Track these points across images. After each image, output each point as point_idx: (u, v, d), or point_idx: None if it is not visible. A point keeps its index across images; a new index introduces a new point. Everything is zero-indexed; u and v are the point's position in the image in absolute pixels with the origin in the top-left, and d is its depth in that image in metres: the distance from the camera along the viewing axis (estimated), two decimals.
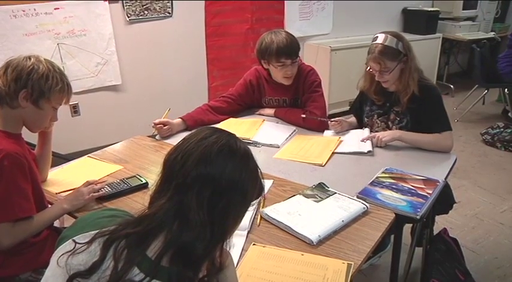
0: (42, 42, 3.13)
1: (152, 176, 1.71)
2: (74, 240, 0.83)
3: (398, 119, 2.04)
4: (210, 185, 0.81)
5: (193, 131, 0.90)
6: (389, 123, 2.07)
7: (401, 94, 1.99)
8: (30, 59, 1.40)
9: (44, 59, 1.44)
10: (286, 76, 2.20)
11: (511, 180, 3.34)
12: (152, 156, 1.93)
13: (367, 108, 2.16)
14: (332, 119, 2.15)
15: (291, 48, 2.12)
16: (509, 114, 4.36)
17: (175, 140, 2.03)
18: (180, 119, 2.25)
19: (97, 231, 0.84)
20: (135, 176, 1.68)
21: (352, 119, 2.29)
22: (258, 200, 0.92)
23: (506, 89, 4.32)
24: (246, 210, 0.88)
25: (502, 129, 3.91)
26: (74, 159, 1.92)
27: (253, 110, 2.43)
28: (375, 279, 2.28)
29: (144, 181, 1.64)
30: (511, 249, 2.56)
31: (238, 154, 0.86)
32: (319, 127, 2.17)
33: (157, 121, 2.15)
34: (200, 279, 0.82)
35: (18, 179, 1.35)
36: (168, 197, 0.81)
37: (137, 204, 1.54)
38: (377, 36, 1.98)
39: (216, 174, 0.81)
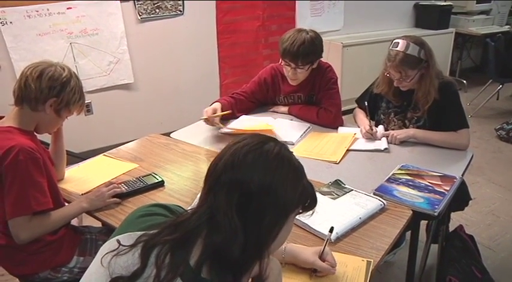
0: (56, 42, 3.16)
1: (168, 174, 1.73)
2: (118, 241, 0.82)
3: (416, 117, 2.01)
4: (238, 187, 0.79)
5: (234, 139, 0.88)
6: (406, 121, 2.05)
7: (420, 101, 1.95)
8: (64, 69, 1.47)
9: (73, 72, 1.50)
10: (290, 77, 2.20)
11: None
12: (167, 154, 1.93)
13: (383, 105, 2.13)
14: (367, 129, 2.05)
15: (297, 53, 2.06)
16: None
17: (191, 139, 2.06)
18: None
19: (142, 233, 0.83)
20: (150, 174, 1.69)
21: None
22: (309, 211, 0.89)
23: None
24: (286, 218, 0.84)
25: None
26: (87, 157, 1.93)
27: (266, 107, 2.42)
28: (390, 276, 2.26)
29: (160, 179, 1.65)
30: None
31: (270, 157, 0.82)
32: (334, 124, 2.16)
33: (210, 112, 2.16)
34: None
35: (34, 173, 1.37)
36: (201, 202, 0.81)
37: (153, 201, 1.55)
38: (397, 42, 1.91)
39: (243, 178, 0.79)
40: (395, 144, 1.96)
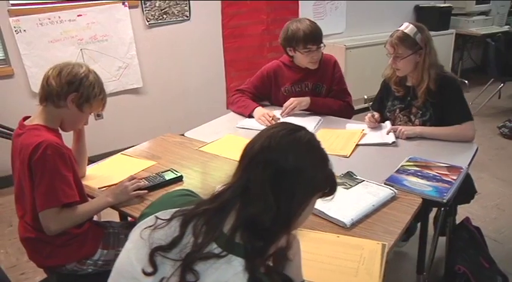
0: (66, 48, 3.25)
1: (185, 169, 1.79)
2: (156, 216, 0.92)
3: (420, 112, 2.09)
4: (273, 165, 0.88)
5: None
6: (412, 116, 2.12)
7: (417, 88, 2.06)
8: (82, 66, 1.55)
9: (92, 69, 1.58)
10: (313, 61, 2.30)
11: None
12: (183, 151, 2.00)
13: (389, 103, 2.21)
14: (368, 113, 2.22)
15: (316, 34, 2.24)
16: None
17: (204, 138, 2.13)
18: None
19: (176, 209, 0.93)
20: (169, 170, 1.75)
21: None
22: (330, 196, 0.98)
23: None
24: (312, 197, 0.94)
25: None
26: (98, 160, 1.99)
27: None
28: (401, 268, 2.32)
29: (178, 174, 1.72)
30: None
31: (302, 141, 0.92)
32: (350, 117, 2.34)
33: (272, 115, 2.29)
34: (268, 266, 0.89)
35: (61, 167, 1.44)
36: (237, 177, 0.90)
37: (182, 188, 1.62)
38: (402, 24, 2.06)
39: (278, 157, 0.89)
40: (401, 138, 2.03)
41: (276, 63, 2.47)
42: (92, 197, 1.64)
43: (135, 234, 0.96)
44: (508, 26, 5.33)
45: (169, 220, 0.91)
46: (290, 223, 0.92)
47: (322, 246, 1.29)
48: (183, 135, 2.24)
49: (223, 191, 0.90)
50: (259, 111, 2.35)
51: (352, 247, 1.28)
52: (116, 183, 1.70)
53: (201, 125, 2.36)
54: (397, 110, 2.17)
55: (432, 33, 4.87)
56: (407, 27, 2.01)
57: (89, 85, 1.54)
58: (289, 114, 2.32)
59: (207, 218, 0.88)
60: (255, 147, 0.91)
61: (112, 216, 1.87)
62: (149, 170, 1.82)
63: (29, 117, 1.61)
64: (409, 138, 2.04)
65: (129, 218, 1.98)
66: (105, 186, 1.68)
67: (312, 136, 0.96)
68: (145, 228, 0.92)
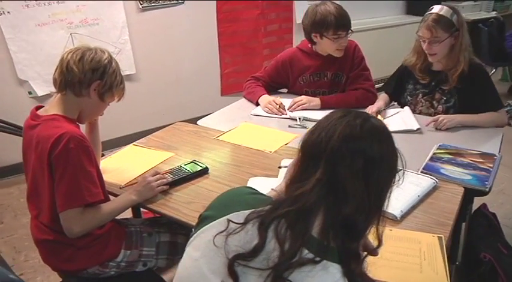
0: (55, 32, 3.05)
1: (208, 160, 1.69)
2: (229, 220, 0.82)
3: (444, 98, 2.03)
4: (361, 157, 0.80)
5: (326, 115, 0.89)
6: (435, 102, 2.07)
7: (450, 71, 1.97)
8: (104, 52, 1.42)
9: (112, 55, 1.45)
10: (340, 48, 2.17)
11: None
12: (200, 141, 1.89)
13: (410, 87, 2.15)
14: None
15: (347, 19, 2.12)
16: None
17: (218, 126, 2.02)
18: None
19: (250, 211, 0.82)
20: (193, 162, 1.64)
21: (383, 96, 2.27)
22: (400, 183, 0.90)
23: None
24: (392, 187, 0.87)
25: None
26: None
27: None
28: None
29: (204, 166, 1.61)
30: None
31: (381, 129, 0.86)
32: (373, 103, 2.18)
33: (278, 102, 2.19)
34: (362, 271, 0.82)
35: (85, 162, 1.31)
36: (320, 173, 0.80)
37: (201, 189, 1.52)
38: (432, 7, 1.96)
39: (365, 147, 0.81)
40: (441, 129, 1.94)
41: (292, 51, 2.35)
42: (110, 193, 1.51)
43: (200, 240, 0.85)
44: (495, 12, 5.35)
45: (244, 224, 0.81)
46: (379, 217, 0.85)
47: (371, 238, 1.21)
48: (172, 124, 2.09)
49: (308, 190, 0.80)
50: (264, 99, 2.25)
51: (409, 241, 1.22)
52: (136, 178, 1.58)
53: (213, 113, 2.24)
54: (420, 94, 2.11)
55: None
56: (442, 9, 1.92)
57: (112, 72, 1.42)
58: (296, 110, 2.17)
59: (290, 221, 0.78)
60: (333, 139, 0.81)
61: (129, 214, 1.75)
62: (167, 162, 1.71)
63: (42, 106, 1.46)
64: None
65: (147, 215, 1.88)
66: (127, 184, 1.55)
67: (382, 122, 0.90)
68: (218, 234, 0.81)
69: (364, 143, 0.81)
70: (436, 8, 1.94)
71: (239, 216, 0.83)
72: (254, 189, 0.96)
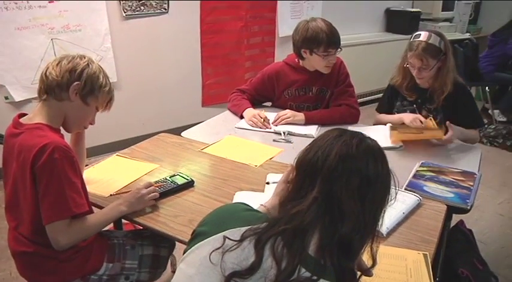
0: (36, 37, 2.98)
1: (193, 173, 1.67)
2: (225, 237, 0.81)
3: (431, 115, 2.08)
4: (357, 176, 0.81)
5: (322, 133, 0.91)
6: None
7: (436, 92, 2.03)
8: (83, 57, 1.40)
9: (95, 61, 1.44)
10: (329, 65, 2.20)
11: (501, 173, 3.51)
12: (185, 153, 1.87)
13: (397, 103, 2.20)
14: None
15: (338, 37, 2.15)
16: (489, 111, 4.57)
17: (203, 139, 2.00)
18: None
19: (247, 227, 0.81)
20: (178, 175, 1.62)
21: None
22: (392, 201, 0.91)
23: (487, 87, 4.53)
24: (386, 206, 0.88)
25: (486, 126, 4.09)
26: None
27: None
28: None
29: (189, 179, 1.59)
30: None
31: (376, 149, 0.87)
32: (358, 121, 2.24)
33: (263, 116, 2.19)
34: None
35: (70, 173, 1.28)
36: (316, 191, 0.81)
37: (188, 202, 1.50)
38: (419, 34, 2.01)
39: (361, 166, 0.82)
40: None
41: (279, 65, 2.36)
42: (95, 204, 1.48)
43: (195, 257, 0.84)
44: (468, 34, 5.55)
45: (240, 241, 0.80)
46: (374, 236, 0.86)
47: (365, 257, 1.22)
48: (154, 135, 2.07)
49: (304, 209, 0.81)
50: (249, 112, 2.25)
51: (395, 258, 1.23)
52: (120, 190, 1.55)
53: (198, 125, 2.24)
54: (408, 111, 2.15)
55: (402, 36, 5.04)
56: (430, 37, 1.97)
57: (92, 74, 1.38)
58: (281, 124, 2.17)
59: (287, 239, 0.79)
60: (330, 158, 0.83)
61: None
62: (152, 174, 1.68)
63: (25, 114, 1.42)
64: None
65: (128, 227, 1.84)
66: (116, 193, 1.52)
67: (377, 143, 0.91)
68: (214, 250, 0.80)
69: (360, 163, 0.83)
70: (424, 36, 1.98)
71: (235, 233, 0.82)
72: (248, 205, 0.96)
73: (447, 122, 1.95)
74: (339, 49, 2.17)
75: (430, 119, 2.02)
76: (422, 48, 1.95)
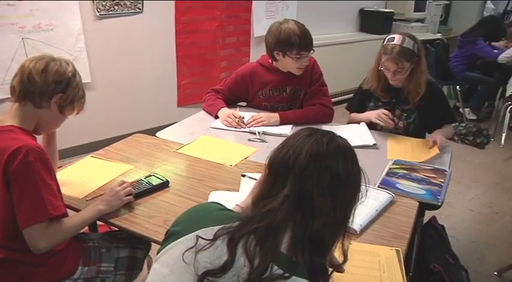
0: (5, 36, 2.90)
1: (168, 174, 1.67)
2: (198, 236, 0.81)
3: (405, 115, 2.13)
4: (328, 174, 0.83)
5: (294, 132, 0.93)
6: (395, 118, 2.15)
7: (411, 93, 2.07)
8: (68, 64, 1.39)
9: (75, 68, 1.42)
10: (301, 67, 2.20)
11: (471, 170, 3.61)
12: (160, 154, 1.86)
13: (371, 104, 2.23)
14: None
15: (310, 40, 2.15)
16: (460, 109, 4.69)
17: (178, 139, 2.00)
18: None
19: (219, 227, 0.82)
20: (153, 175, 1.61)
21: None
22: (363, 199, 0.93)
23: (458, 86, 4.65)
24: (356, 204, 0.90)
25: (457, 124, 4.19)
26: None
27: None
28: None
29: (164, 179, 1.59)
30: (484, 233, 2.77)
31: (346, 147, 0.89)
32: (332, 120, 2.27)
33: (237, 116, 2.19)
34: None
35: (45, 175, 1.26)
36: (288, 189, 0.82)
37: (163, 203, 1.50)
38: (393, 37, 2.02)
39: (332, 164, 0.84)
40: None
41: (253, 66, 2.36)
42: (69, 207, 1.46)
43: (169, 257, 0.84)
44: (439, 34, 5.69)
45: (213, 240, 0.81)
46: (345, 233, 0.88)
47: (337, 253, 1.24)
48: (129, 135, 2.05)
49: (276, 207, 0.81)
50: (224, 112, 2.25)
51: (368, 254, 1.26)
52: (95, 191, 1.53)
53: (172, 125, 2.23)
54: None
55: (375, 36, 5.11)
56: (404, 41, 1.99)
57: (75, 86, 1.39)
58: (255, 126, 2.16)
59: (259, 237, 0.80)
60: (301, 156, 0.84)
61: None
62: (126, 175, 1.67)
63: None
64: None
65: (103, 229, 1.82)
66: (94, 198, 1.50)
67: (347, 141, 0.93)
68: (187, 250, 0.81)
69: (330, 161, 0.84)
70: (398, 39, 1.99)
71: (208, 232, 0.83)
72: (222, 205, 0.96)
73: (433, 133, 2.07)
74: (312, 51, 2.19)
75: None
76: (397, 51, 1.97)
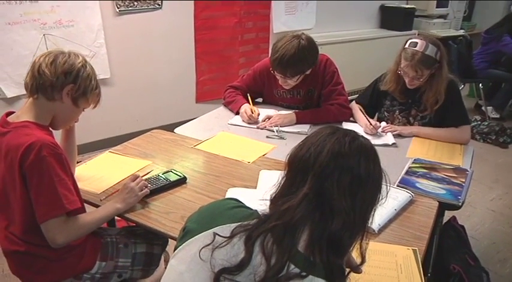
0: (27, 32, 2.95)
1: (186, 170, 1.67)
2: (215, 233, 0.81)
3: (420, 115, 2.08)
4: (349, 174, 0.81)
5: (315, 131, 0.91)
6: (411, 118, 2.12)
7: (430, 101, 2.00)
8: (78, 56, 1.38)
9: (86, 59, 1.42)
10: (283, 85, 2.18)
11: (493, 170, 3.53)
12: (177, 150, 1.87)
13: (387, 103, 2.19)
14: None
15: (286, 66, 2.04)
16: (483, 108, 4.59)
17: (196, 135, 2.00)
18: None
19: (236, 224, 0.81)
20: (170, 171, 1.62)
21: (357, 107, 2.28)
22: (383, 201, 0.91)
23: (480, 84, 4.55)
24: (376, 205, 0.88)
25: (479, 123, 4.11)
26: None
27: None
28: None
29: (181, 176, 1.59)
30: (505, 234, 2.71)
31: (368, 147, 0.87)
32: (349, 118, 2.22)
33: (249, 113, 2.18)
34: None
35: (59, 169, 1.27)
36: (307, 188, 0.81)
37: (180, 199, 1.50)
38: (416, 42, 1.94)
39: (353, 164, 0.82)
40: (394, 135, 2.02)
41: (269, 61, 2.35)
42: (87, 201, 1.47)
43: (186, 253, 0.84)
44: (462, 30, 5.57)
45: (230, 237, 0.80)
46: (364, 234, 0.86)
47: (355, 254, 1.22)
48: (147, 131, 2.05)
49: (294, 205, 0.80)
50: (243, 107, 2.24)
51: (385, 254, 1.24)
52: (112, 186, 1.55)
53: (191, 121, 2.23)
54: (397, 111, 2.15)
55: (396, 33, 5.02)
56: (427, 48, 1.90)
57: (86, 77, 1.37)
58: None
59: (276, 235, 0.79)
60: (322, 155, 0.83)
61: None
62: (144, 170, 1.68)
63: (12, 112, 1.40)
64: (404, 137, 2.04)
65: (120, 224, 1.83)
66: (107, 196, 1.50)
67: (369, 142, 0.91)
68: (203, 247, 0.80)
69: (352, 161, 0.83)
70: (421, 45, 1.91)
71: (225, 229, 0.83)
72: (239, 201, 0.95)
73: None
74: (287, 77, 2.10)
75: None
76: (418, 59, 1.90)
